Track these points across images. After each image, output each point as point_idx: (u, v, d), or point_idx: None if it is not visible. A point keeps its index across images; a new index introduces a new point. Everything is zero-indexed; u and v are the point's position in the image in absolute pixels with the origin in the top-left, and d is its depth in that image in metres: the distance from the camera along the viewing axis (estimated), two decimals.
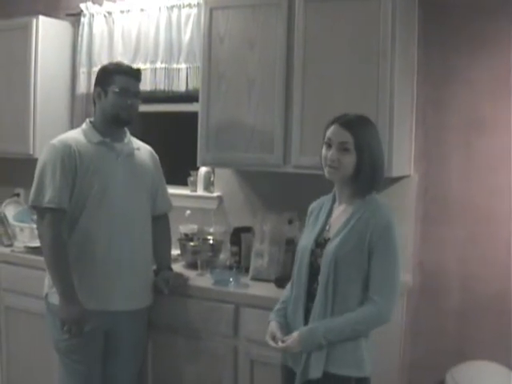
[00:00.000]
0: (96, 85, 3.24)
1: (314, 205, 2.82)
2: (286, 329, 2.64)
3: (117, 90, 3.15)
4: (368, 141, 2.56)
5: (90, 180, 3.11)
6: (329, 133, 2.60)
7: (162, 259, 3.44)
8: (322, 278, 2.54)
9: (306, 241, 2.68)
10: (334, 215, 2.68)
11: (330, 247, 2.55)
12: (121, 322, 3.18)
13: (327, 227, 2.66)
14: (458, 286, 3.47)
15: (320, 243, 2.63)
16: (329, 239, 2.60)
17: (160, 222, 3.45)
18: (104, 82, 3.19)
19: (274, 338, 2.63)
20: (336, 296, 2.51)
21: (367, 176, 2.56)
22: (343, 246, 2.52)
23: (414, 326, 3.56)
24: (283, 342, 2.57)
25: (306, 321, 2.58)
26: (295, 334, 2.54)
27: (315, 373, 2.50)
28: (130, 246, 3.19)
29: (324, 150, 2.61)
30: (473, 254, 3.43)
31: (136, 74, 3.26)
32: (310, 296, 2.59)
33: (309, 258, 2.61)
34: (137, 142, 3.38)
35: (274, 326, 2.67)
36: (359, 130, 2.56)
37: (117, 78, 3.17)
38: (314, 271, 2.60)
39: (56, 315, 3.08)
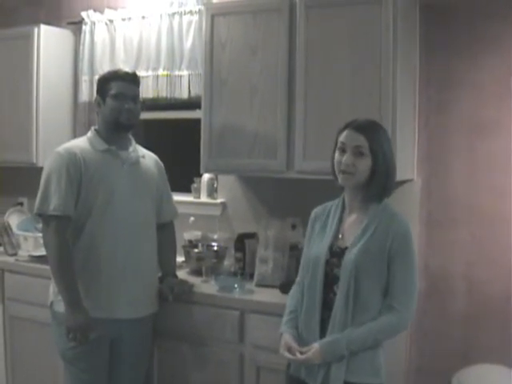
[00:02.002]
0: (96, 94, 3.27)
1: (317, 210, 2.77)
2: (299, 340, 2.60)
3: (113, 95, 3.16)
4: (382, 144, 2.55)
5: (95, 188, 3.11)
6: (342, 137, 2.57)
7: (167, 266, 3.44)
8: (341, 288, 2.50)
9: (317, 250, 2.62)
10: (346, 224, 2.63)
11: (350, 256, 2.51)
12: (126, 330, 3.18)
13: (340, 236, 2.62)
14: (463, 289, 3.47)
15: (335, 252, 2.58)
16: (346, 248, 2.55)
17: (166, 230, 3.45)
18: (102, 89, 3.22)
19: (289, 350, 2.58)
20: (357, 305, 2.48)
21: (381, 180, 2.54)
22: (364, 255, 2.49)
23: (420, 330, 3.55)
24: (301, 353, 2.53)
25: (322, 330, 2.54)
26: (316, 346, 2.50)
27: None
28: (135, 254, 3.19)
29: (337, 156, 2.58)
30: (478, 257, 3.42)
31: (132, 78, 3.26)
32: (326, 305, 2.55)
33: (324, 267, 2.56)
34: (142, 150, 3.39)
35: (288, 338, 2.61)
36: (373, 133, 2.55)
37: (113, 83, 3.18)
38: (329, 281, 2.56)
39: (61, 323, 3.07)
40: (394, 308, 2.47)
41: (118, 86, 3.18)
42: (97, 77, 4.26)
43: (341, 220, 2.66)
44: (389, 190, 2.60)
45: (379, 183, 2.55)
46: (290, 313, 2.71)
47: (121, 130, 3.23)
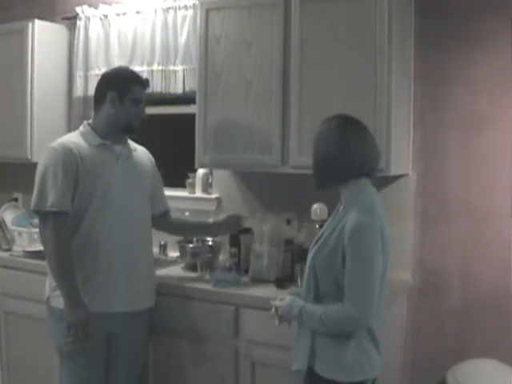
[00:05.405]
0: (110, 89, 3.18)
1: None
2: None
3: (134, 100, 3.19)
4: (321, 136, 2.60)
5: (91, 183, 3.10)
6: None
7: (202, 224, 3.74)
8: (304, 283, 2.61)
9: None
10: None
11: (310, 253, 2.60)
12: (122, 324, 3.18)
13: None
14: (458, 285, 3.47)
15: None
16: None
17: (166, 216, 3.54)
18: (121, 89, 3.18)
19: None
20: (317, 300, 2.55)
21: (323, 171, 2.60)
22: (320, 252, 2.53)
23: (415, 325, 3.56)
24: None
25: None
26: (287, 298, 2.66)
27: (298, 365, 2.57)
28: (132, 247, 3.20)
29: None
30: (473, 253, 3.42)
31: (148, 85, 3.33)
32: None
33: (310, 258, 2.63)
34: (133, 144, 3.39)
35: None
36: (318, 128, 2.63)
37: (134, 87, 3.21)
38: None
39: (58, 318, 3.07)
40: (345, 305, 2.42)
41: (139, 91, 3.23)
42: (91, 72, 4.33)
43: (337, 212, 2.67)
44: (325, 180, 2.62)
45: (324, 173, 2.60)
46: None
47: (128, 133, 3.27)
